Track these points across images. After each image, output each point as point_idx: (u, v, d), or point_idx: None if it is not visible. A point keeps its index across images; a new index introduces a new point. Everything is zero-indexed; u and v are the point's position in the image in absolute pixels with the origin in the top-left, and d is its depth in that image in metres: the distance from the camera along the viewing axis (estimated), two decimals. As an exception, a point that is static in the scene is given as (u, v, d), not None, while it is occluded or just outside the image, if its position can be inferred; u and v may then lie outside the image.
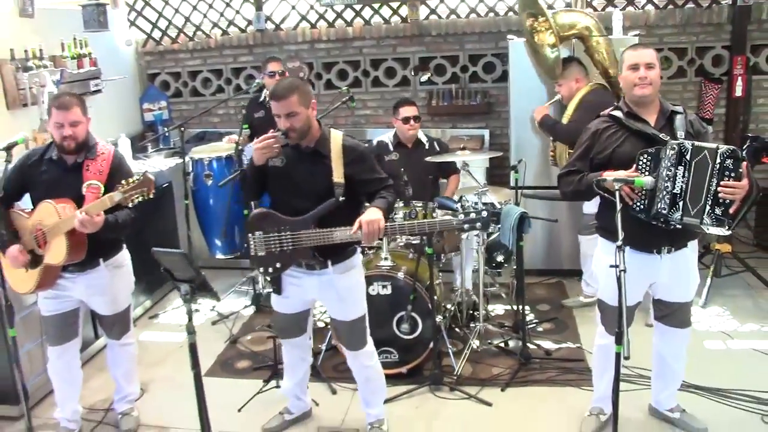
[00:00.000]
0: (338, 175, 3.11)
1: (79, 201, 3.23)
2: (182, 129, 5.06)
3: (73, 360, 3.66)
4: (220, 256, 5.25)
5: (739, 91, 5.56)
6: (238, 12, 6.24)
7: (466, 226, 3.14)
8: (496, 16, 5.91)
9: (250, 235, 3.18)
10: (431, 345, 3.99)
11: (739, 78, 5.54)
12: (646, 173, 2.97)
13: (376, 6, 6.00)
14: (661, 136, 3.03)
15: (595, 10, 5.70)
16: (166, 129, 6.11)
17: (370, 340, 3.45)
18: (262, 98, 5.21)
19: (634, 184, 2.92)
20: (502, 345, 4.40)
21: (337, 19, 6.12)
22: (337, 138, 3.20)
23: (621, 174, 2.96)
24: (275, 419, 3.66)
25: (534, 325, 4.69)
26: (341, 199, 3.09)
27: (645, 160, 3.01)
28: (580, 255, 4.99)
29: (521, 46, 5.22)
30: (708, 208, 2.90)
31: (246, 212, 4.95)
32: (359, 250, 3.39)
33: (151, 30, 6.39)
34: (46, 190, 3.30)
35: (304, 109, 3.08)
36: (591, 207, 4.77)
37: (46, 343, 3.63)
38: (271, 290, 3.41)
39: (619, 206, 2.83)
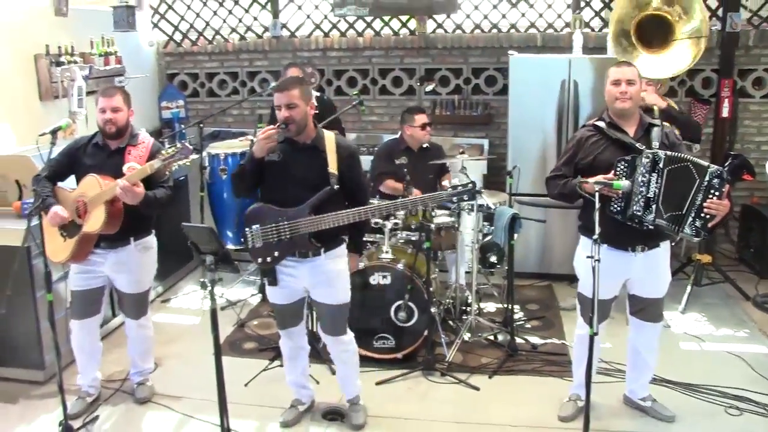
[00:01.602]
0: (333, 167, 3.39)
1: None
2: (201, 126, 5.40)
3: (94, 333, 3.96)
4: (230, 246, 5.56)
5: (725, 112, 5.88)
6: (255, 19, 6.61)
7: (455, 198, 3.47)
8: (498, 33, 6.25)
9: (247, 229, 3.44)
10: (425, 333, 4.30)
11: (726, 100, 5.87)
12: (623, 178, 3.30)
13: (386, 18, 6.35)
14: (637, 145, 3.38)
15: (593, 30, 6.04)
16: (183, 126, 6.44)
17: (348, 329, 3.69)
18: None
19: (613, 187, 3.25)
20: (492, 338, 4.70)
21: (349, 29, 6.48)
22: (330, 137, 3.50)
23: (601, 178, 3.29)
24: (290, 412, 3.83)
25: (523, 322, 5.00)
26: (336, 187, 3.38)
27: (622, 167, 3.34)
28: None
29: (521, 61, 5.57)
30: (690, 219, 3.25)
31: (257, 206, 5.30)
32: (346, 241, 3.65)
33: (173, 32, 6.75)
34: (90, 171, 3.62)
35: (304, 104, 3.37)
36: None
37: (71, 316, 3.93)
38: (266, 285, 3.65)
39: (597, 205, 3.16)
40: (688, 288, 5.24)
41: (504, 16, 6.21)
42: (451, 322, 4.83)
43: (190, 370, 4.42)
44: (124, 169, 3.56)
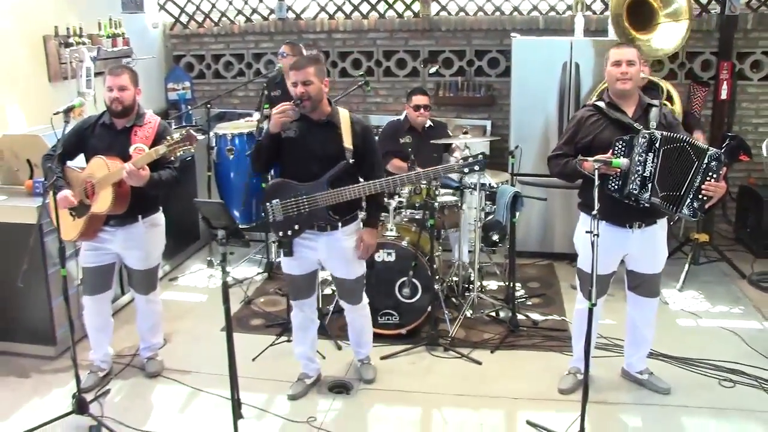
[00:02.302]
0: (348, 142, 3.54)
1: (125, 161, 3.62)
2: (208, 106, 5.49)
3: (106, 309, 4.07)
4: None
5: (724, 95, 5.95)
6: (261, 1, 6.66)
7: (466, 169, 3.60)
8: (501, 15, 6.31)
9: (267, 204, 3.58)
10: (429, 309, 4.41)
11: (725, 82, 5.93)
12: (621, 157, 3.39)
13: (390, 1, 6.41)
14: (635, 125, 3.46)
15: (594, 13, 6.10)
16: (189, 107, 6.52)
17: (364, 294, 3.92)
18: (279, 79, 5.64)
19: (611, 165, 3.34)
20: (493, 314, 4.81)
21: (354, 11, 6.53)
22: (345, 113, 3.65)
23: (600, 156, 3.38)
24: (297, 385, 3.95)
25: (524, 299, 5.11)
26: (351, 161, 3.52)
27: (620, 146, 3.43)
28: None
29: (524, 43, 5.65)
30: (688, 200, 3.34)
31: (264, 185, 5.38)
32: (361, 215, 3.82)
33: (179, 14, 6.81)
34: (98, 150, 3.72)
35: (318, 81, 3.50)
36: None
37: (83, 292, 4.04)
38: (281, 256, 3.79)
39: (597, 183, 3.25)
40: (686, 266, 5.35)
41: (507, -1, 6.27)
42: (454, 299, 4.94)
43: (198, 345, 4.54)
44: (131, 150, 3.65)
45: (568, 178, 3.68)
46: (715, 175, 3.29)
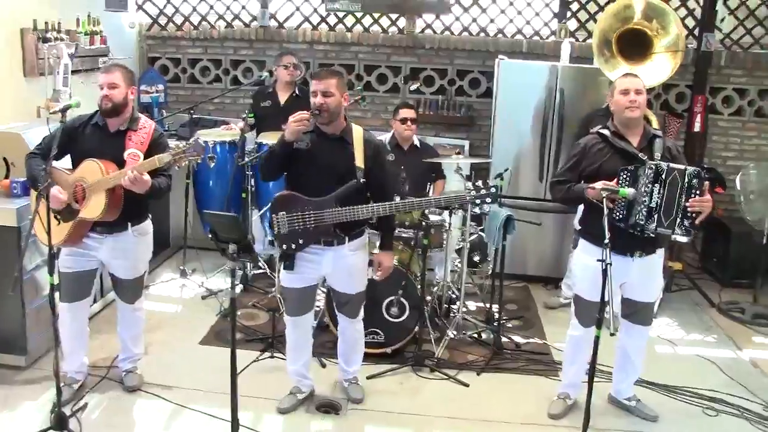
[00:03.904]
0: (360, 161, 3.50)
1: (119, 166, 3.50)
2: (191, 113, 5.34)
3: (83, 317, 3.89)
4: (210, 234, 5.49)
5: (697, 127, 6.14)
6: (244, 7, 6.53)
7: (478, 200, 3.57)
8: (486, 37, 6.36)
9: (273, 215, 3.51)
10: (416, 329, 4.36)
11: (698, 115, 6.12)
12: (626, 187, 3.43)
13: (376, 15, 6.38)
14: (640, 155, 3.51)
15: (577, 40, 6.21)
16: (164, 112, 6.34)
17: (362, 310, 3.87)
18: (269, 90, 5.54)
19: (618, 194, 3.38)
20: (476, 336, 4.80)
21: (338, 23, 6.47)
22: (358, 131, 3.60)
23: (606, 184, 3.41)
24: (288, 399, 3.87)
25: (504, 321, 5.12)
26: (362, 181, 3.47)
27: (625, 176, 3.47)
28: (568, 264, 5.34)
29: (510, 65, 5.71)
30: (679, 220, 3.40)
31: (244, 195, 5.27)
32: (367, 231, 3.78)
33: (158, 15, 6.61)
34: (88, 152, 3.55)
35: (339, 95, 3.46)
36: None
37: (60, 299, 3.75)
38: (266, 270, 3.68)
39: (606, 211, 3.28)
40: (660, 294, 5.44)
41: (492, 21, 6.31)
42: (436, 320, 4.91)
43: (176, 358, 4.38)
44: (125, 155, 3.51)
45: (571, 203, 3.72)
46: (698, 191, 3.37)
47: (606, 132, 3.65)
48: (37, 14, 4.98)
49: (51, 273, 3.25)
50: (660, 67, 5.30)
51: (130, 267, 3.80)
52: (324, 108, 3.41)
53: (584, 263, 3.69)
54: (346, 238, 3.55)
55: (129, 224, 3.69)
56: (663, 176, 3.41)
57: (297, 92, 5.54)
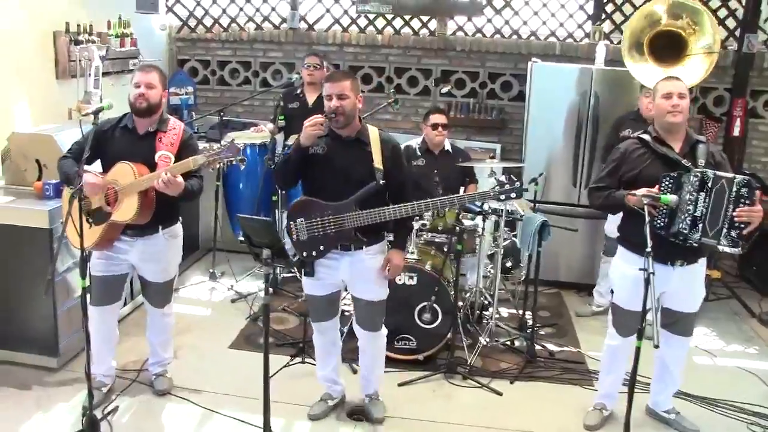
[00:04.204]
0: (378, 162, 3.39)
1: (151, 168, 3.47)
2: (221, 115, 5.32)
3: (113, 320, 3.87)
4: (242, 239, 5.46)
5: (737, 131, 5.99)
6: (273, 9, 6.51)
7: (502, 196, 3.48)
8: (518, 39, 6.26)
9: (292, 222, 3.42)
10: (448, 336, 4.29)
11: (738, 119, 5.97)
12: (668, 194, 3.32)
13: (407, 17, 6.32)
14: (683, 162, 3.40)
15: (611, 43, 6.08)
16: (193, 114, 6.34)
17: (383, 323, 3.73)
18: (297, 91, 5.50)
19: (660, 201, 3.27)
20: (509, 343, 4.71)
21: (369, 25, 6.42)
22: (374, 131, 3.50)
23: (647, 191, 3.31)
24: (319, 406, 3.82)
25: (537, 328, 5.01)
26: (381, 182, 3.37)
27: (667, 182, 3.36)
28: (600, 272, 5.34)
29: (544, 68, 5.62)
30: (725, 230, 3.26)
31: (275, 198, 5.23)
32: (386, 237, 3.66)
33: (188, 17, 6.62)
34: (118, 155, 3.52)
35: (354, 97, 3.37)
36: (614, 232, 5.15)
37: (90, 302, 3.71)
38: (296, 274, 3.60)
39: (647, 219, 3.18)
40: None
41: (525, 23, 6.22)
42: (468, 326, 4.82)
43: (206, 362, 4.35)
44: (156, 157, 3.48)
45: (610, 210, 3.62)
46: (748, 201, 3.22)
47: (646, 137, 3.54)
48: (69, 16, 5.01)
49: (83, 276, 3.22)
50: (693, 69, 5.16)
51: (161, 270, 3.77)
52: (339, 111, 3.32)
53: (623, 272, 3.59)
54: (365, 242, 3.46)
55: (160, 227, 3.66)
56: (709, 184, 3.29)
57: None
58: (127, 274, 3.79)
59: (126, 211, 3.45)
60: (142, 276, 3.80)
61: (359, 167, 3.40)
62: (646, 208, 3.23)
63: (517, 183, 3.48)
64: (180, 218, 3.85)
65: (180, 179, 3.38)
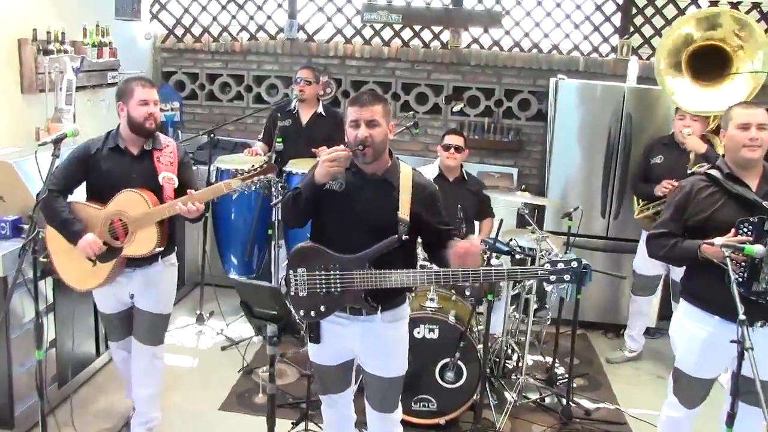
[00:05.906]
0: (404, 212, 2.71)
1: (155, 192, 3.17)
2: (212, 135, 4.74)
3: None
4: (233, 275, 4.85)
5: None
6: (269, 17, 5.91)
7: (552, 277, 2.81)
8: (539, 53, 5.70)
9: (291, 272, 2.74)
10: (475, 397, 3.71)
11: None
12: (750, 244, 2.76)
13: (417, 28, 5.75)
14: (765, 204, 2.85)
15: (641, 58, 5.55)
16: (179, 132, 5.74)
17: (400, 403, 3.06)
18: (291, 106, 4.94)
19: (744, 252, 2.71)
20: (540, 400, 4.14)
21: (374, 36, 5.84)
22: (407, 171, 2.80)
23: (727, 240, 2.76)
24: None
25: (569, 381, 4.45)
26: (404, 237, 2.69)
27: (746, 229, 2.81)
28: (630, 312, 4.90)
29: (571, 86, 5.07)
30: None
31: (270, 231, 4.63)
32: (409, 299, 3.02)
33: (174, 26, 6.00)
34: (116, 181, 3.17)
35: (386, 125, 2.71)
36: (646, 269, 4.63)
37: (108, 339, 3.62)
38: (305, 337, 2.96)
39: (733, 277, 2.62)
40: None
41: (546, 36, 5.67)
42: (492, 379, 4.24)
43: (194, 425, 3.76)
44: (160, 179, 3.19)
45: (677, 263, 3.07)
46: None
47: (716, 173, 2.99)
48: (38, 23, 4.38)
49: (39, 347, 2.61)
50: (736, 88, 4.62)
51: (159, 300, 3.40)
52: (369, 143, 2.63)
53: (690, 332, 3.04)
54: (379, 308, 2.78)
55: (159, 256, 3.30)
56: (801, 232, 2.74)
57: (322, 111, 4.91)
58: (132, 306, 3.41)
59: (143, 244, 3.16)
60: (137, 308, 3.39)
61: (381, 214, 2.71)
62: (729, 261, 2.67)
63: (575, 262, 2.75)
64: (176, 247, 3.48)
65: (202, 207, 3.14)
